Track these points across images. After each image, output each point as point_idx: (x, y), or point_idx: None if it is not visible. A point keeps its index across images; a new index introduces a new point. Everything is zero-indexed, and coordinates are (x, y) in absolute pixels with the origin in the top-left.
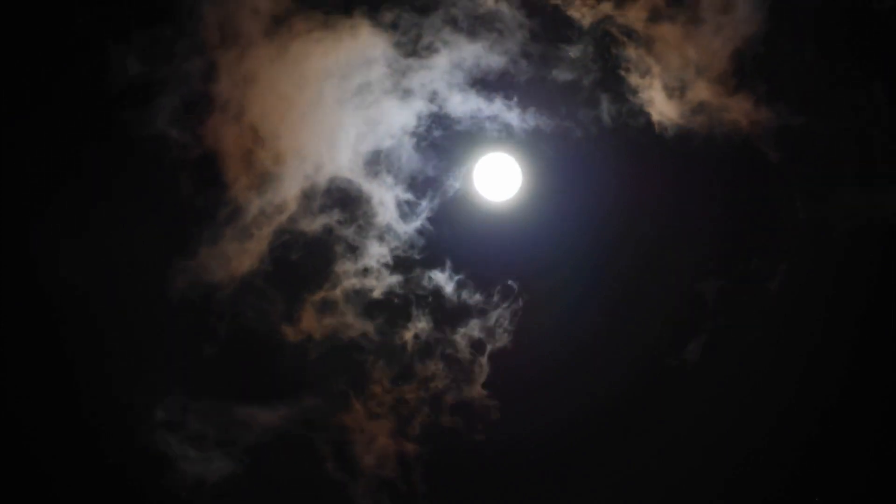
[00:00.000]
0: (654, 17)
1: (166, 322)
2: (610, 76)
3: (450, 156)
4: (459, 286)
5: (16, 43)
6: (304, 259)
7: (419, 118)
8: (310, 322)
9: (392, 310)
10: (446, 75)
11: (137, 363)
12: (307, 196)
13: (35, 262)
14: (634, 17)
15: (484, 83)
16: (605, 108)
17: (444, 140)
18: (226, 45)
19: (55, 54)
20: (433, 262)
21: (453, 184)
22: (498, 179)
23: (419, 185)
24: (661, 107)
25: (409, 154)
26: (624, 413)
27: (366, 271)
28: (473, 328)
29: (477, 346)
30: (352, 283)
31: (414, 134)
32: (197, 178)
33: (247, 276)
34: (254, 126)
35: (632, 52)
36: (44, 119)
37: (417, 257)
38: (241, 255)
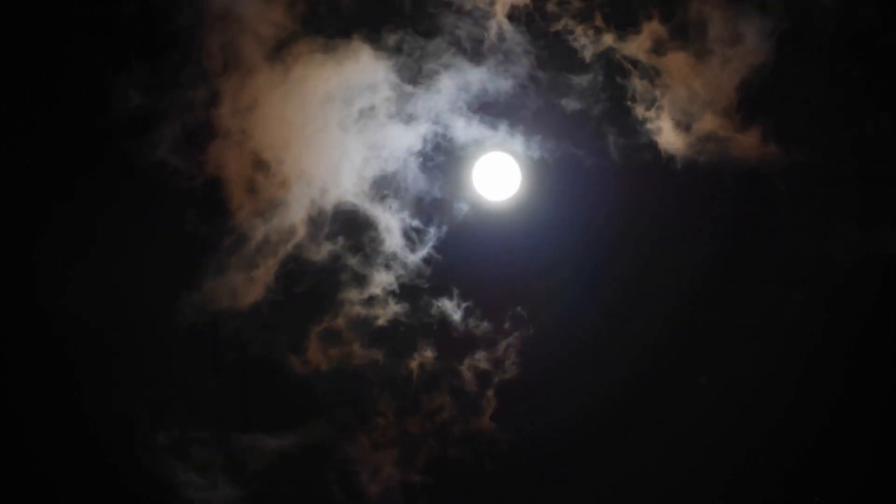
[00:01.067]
0: (659, 47)
1: (173, 351)
2: (616, 106)
3: (454, 179)
4: (467, 313)
5: (16, 73)
6: (310, 287)
7: (424, 141)
8: (316, 351)
9: (398, 338)
10: (450, 100)
11: (143, 391)
12: (312, 222)
13: (38, 291)
14: (638, 47)
15: (488, 109)
16: (612, 139)
17: (448, 163)
18: (227, 70)
19: (56, 82)
20: (440, 289)
21: (461, 207)
22: (498, 178)
23: (425, 206)
24: (667, 137)
25: (414, 177)
26: (628, 421)
27: (371, 299)
28: (481, 360)
29: (484, 376)
30: (357, 311)
31: (419, 156)
32: (201, 206)
33: (253, 304)
34: (257, 152)
35: (637, 83)
36: (44, 147)
37: (425, 286)
38: (247, 283)
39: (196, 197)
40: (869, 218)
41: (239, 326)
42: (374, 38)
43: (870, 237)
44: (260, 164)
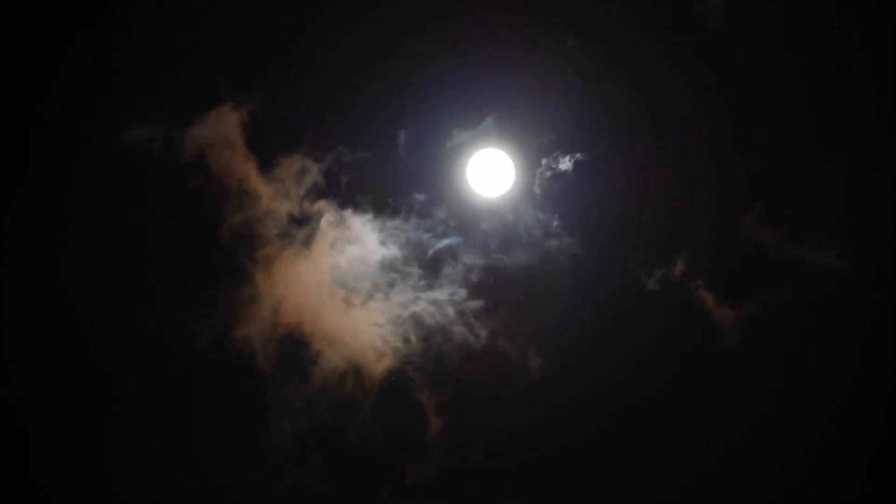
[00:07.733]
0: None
1: None
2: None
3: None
4: None
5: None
6: (353, 478)
7: (455, 312)
8: None
9: None
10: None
11: None
12: (351, 408)
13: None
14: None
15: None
16: None
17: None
18: (249, 253)
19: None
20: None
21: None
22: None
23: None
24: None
25: (445, 349)
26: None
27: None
28: None
29: None
30: None
31: (448, 323)
32: (237, 402)
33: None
34: (287, 336)
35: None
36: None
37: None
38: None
39: (231, 389)
40: None
41: None
42: (391, 206)
43: None
44: (296, 353)
